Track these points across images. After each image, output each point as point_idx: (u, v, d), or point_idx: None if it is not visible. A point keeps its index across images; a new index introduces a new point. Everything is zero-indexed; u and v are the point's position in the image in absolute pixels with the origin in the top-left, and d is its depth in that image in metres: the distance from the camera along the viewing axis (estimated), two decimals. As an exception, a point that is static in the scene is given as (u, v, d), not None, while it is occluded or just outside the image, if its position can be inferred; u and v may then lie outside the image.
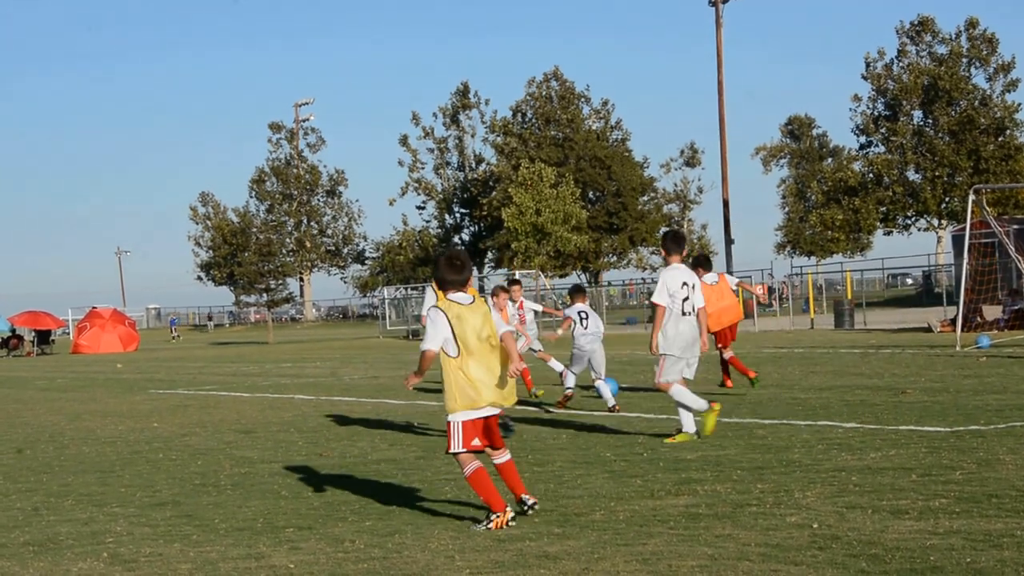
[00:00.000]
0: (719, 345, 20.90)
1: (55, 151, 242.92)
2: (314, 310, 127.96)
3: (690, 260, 18.04)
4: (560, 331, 19.03)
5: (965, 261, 32.72)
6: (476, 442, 9.76)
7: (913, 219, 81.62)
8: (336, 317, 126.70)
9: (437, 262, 10.11)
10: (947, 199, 76.56)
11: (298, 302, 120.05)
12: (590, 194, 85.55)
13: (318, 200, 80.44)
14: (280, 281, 78.65)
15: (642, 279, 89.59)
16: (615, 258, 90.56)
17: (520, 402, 14.65)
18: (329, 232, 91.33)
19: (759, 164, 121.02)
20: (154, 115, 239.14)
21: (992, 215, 34.00)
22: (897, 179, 78.28)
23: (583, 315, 18.61)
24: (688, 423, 14.39)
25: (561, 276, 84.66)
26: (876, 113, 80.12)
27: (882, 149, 79.97)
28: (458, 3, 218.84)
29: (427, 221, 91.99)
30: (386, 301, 74.63)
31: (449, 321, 9.63)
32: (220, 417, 20.92)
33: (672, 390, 14.46)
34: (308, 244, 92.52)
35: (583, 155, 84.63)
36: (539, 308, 23.10)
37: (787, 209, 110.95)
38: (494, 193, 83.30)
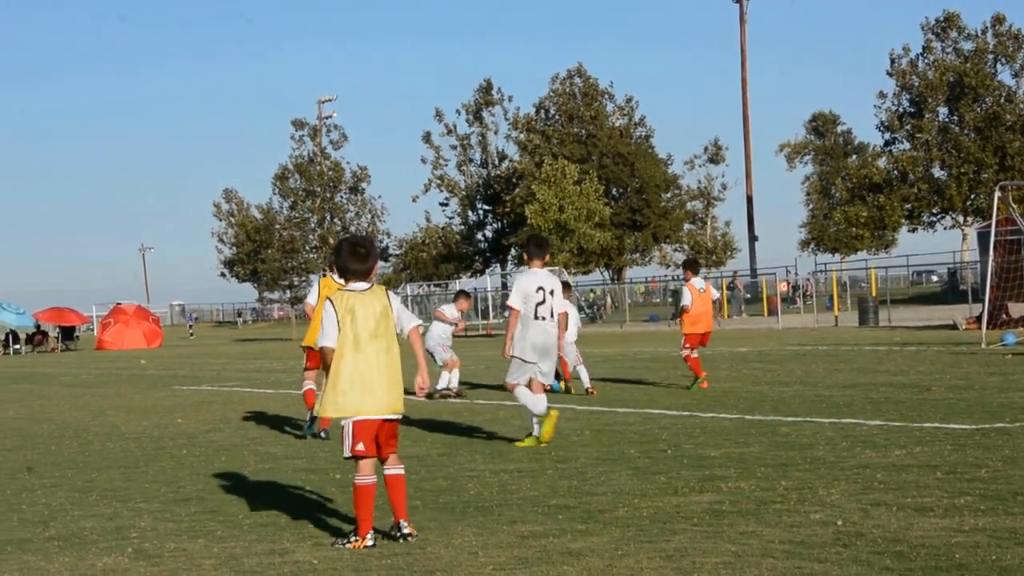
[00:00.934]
0: (687, 344, 21.18)
1: (79, 149, 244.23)
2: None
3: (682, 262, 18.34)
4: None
5: (991, 258, 32.57)
6: (361, 447, 8.91)
7: (938, 216, 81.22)
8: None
9: (339, 249, 9.30)
10: (972, 196, 76.15)
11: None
12: (613, 191, 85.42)
13: (341, 197, 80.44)
14: (303, 278, 78.80)
15: (665, 276, 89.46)
16: (638, 255, 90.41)
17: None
18: (352, 229, 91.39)
19: (783, 161, 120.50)
20: (178, 112, 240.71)
21: (1018, 212, 33.80)
22: (922, 176, 77.90)
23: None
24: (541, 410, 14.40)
25: (584, 273, 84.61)
26: (901, 110, 79.73)
27: (907, 146, 79.56)
28: (481, 0, 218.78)
29: (450, 218, 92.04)
30: (409, 298, 74.67)
31: (337, 314, 8.96)
32: (244, 413, 20.97)
33: (516, 391, 14.50)
34: (331, 241, 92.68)
35: (606, 152, 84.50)
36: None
37: (811, 206, 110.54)
38: (517, 190, 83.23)
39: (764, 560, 7.72)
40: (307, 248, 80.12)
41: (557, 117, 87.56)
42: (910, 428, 14.03)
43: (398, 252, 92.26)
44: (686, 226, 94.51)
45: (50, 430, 19.69)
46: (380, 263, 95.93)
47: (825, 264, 78.74)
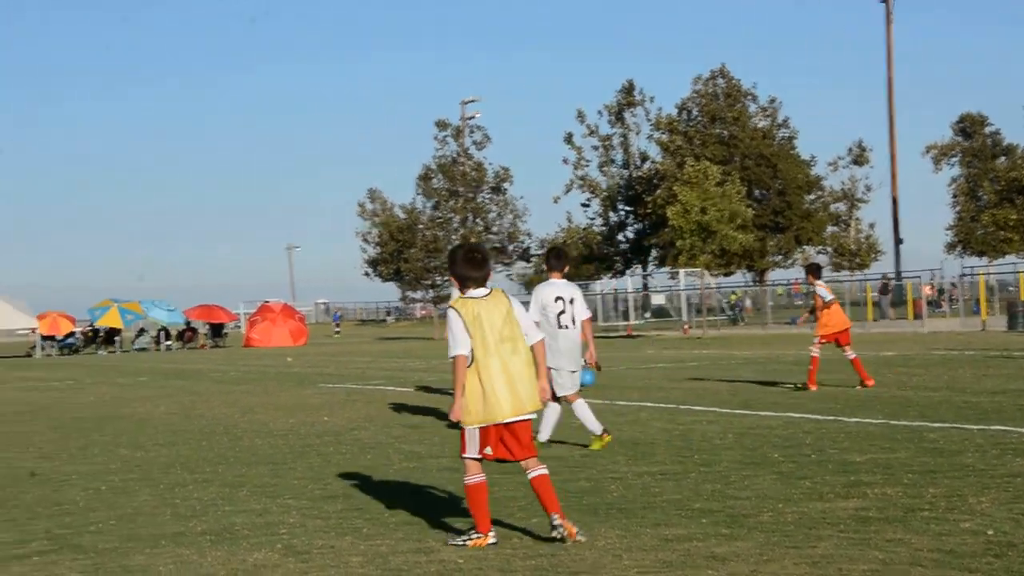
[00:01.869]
0: (843, 345, 21.84)
1: (230, 149, 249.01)
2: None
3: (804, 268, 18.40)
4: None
5: None
6: (489, 451, 9.01)
7: (1090, 218, 79.20)
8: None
9: (454, 257, 9.34)
10: None
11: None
12: (755, 192, 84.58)
13: (483, 197, 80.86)
14: (446, 277, 79.36)
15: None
16: (780, 257, 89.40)
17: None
18: (494, 229, 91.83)
19: (929, 163, 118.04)
20: (325, 113, 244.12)
21: None
22: (1074, 177, 75.99)
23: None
24: (595, 427, 14.69)
25: (726, 275, 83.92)
26: (1052, 110, 77.89)
27: (1058, 147, 77.71)
28: (623, 2, 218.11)
29: (591, 219, 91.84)
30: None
31: (465, 322, 9.03)
32: (387, 411, 21.23)
33: (574, 404, 14.80)
34: (473, 241, 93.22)
35: (749, 153, 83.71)
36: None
37: (958, 208, 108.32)
38: (659, 191, 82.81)
39: (913, 569, 7.63)
40: (450, 248, 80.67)
41: (699, 118, 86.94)
42: (1063, 436, 13.74)
43: (540, 252, 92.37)
44: (829, 228, 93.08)
45: (201, 426, 20.15)
46: (522, 263, 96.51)
47: (972, 267, 77.04)
